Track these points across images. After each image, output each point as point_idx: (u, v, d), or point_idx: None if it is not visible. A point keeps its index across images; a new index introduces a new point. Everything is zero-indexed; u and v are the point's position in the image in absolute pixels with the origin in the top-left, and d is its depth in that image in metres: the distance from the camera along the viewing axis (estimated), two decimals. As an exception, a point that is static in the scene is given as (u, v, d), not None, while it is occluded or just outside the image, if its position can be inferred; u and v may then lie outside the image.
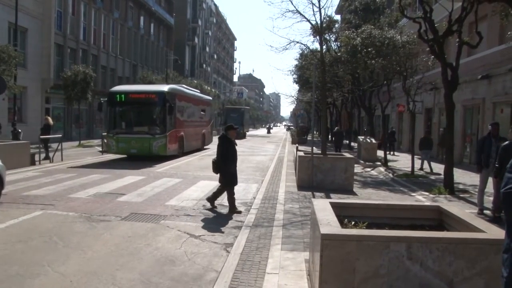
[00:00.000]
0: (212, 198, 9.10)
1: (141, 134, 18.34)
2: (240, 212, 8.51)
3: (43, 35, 30.87)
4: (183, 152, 21.08)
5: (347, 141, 33.06)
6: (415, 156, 17.66)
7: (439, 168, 17.61)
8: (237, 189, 11.97)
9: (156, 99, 18.36)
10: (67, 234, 6.82)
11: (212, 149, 25.66)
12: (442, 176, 13.83)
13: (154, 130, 18.47)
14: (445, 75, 12.51)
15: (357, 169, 17.75)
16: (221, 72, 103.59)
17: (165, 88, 18.97)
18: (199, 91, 28.57)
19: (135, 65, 47.70)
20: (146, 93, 18.60)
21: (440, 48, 12.52)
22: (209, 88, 67.68)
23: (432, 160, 17.99)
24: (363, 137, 23.29)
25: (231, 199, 8.66)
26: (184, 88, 23.17)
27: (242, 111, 52.26)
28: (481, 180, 9.49)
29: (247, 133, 61.32)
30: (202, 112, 25.73)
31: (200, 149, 25.29)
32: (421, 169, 17.15)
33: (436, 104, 24.37)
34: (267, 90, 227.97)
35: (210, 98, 30.92)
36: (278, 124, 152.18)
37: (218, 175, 8.97)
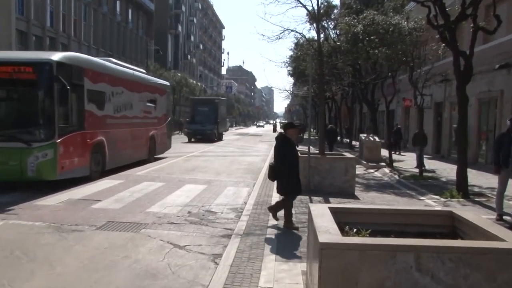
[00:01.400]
0: (274, 209, 8.70)
1: (4, 142, 11.41)
2: (297, 229, 7.97)
3: (2, 20, 30.00)
4: (102, 169, 14.52)
5: (347, 140, 33.20)
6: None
7: (440, 167, 17.60)
8: (226, 193, 11.88)
9: (34, 75, 11.50)
10: (33, 247, 6.69)
11: (170, 158, 21.31)
12: (449, 177, 13.72)
13: (31, 134, 11.52)
14: (457, 65, 12.45)
15: (359, 170, 17.59)
16: (207, 64, 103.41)
17: (53, 56, 12.06)
18: (145, 72, 20.79)
19: (111, 56, 47.34)
20: (14, 64, 11.51)
21: (452, 34, 12.45)
22: (194, 81, 67.60)
23: (439, 159, 17.90)
24: (365, 135, 23.38)
25: (288, 212, 8.17)
26: (102, 61, 15.51)
27: (215, 103, 40.91)
28: (500, 182, 9.45)
29: (235, 130, 61.06)
30: (149, 104, 19.16)
31: (146, 160, 18.97)
32: (421, 167, 16.65)
33: (447, 98, 24.30)
34: (259, 84, 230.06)
35: (166, 83, 22.90)
36: (271, 121, 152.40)
37: (275, 183, 8.62)
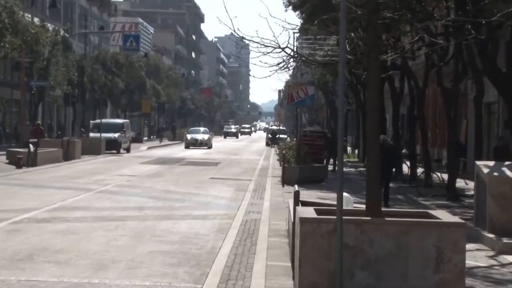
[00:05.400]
0: None
1: None
2: None
3: None
4: None
5: (446, 175, 25.95)
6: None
7: None
8: None
9: None
10: None
11: None
12: None
13: None
14: None
15: (477, 256, 13.84)
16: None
17: None
18: None
19: None
20: None
21: None
22: (37, 19, 51.69)
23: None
24: (490, 164, 17.29)
25: None
26: None
27: None
28: None
29: (156, 148, 53.46)
30: None
31: None
32: None
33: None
34: (212, 31, 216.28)
35: None
36: (246, 126, 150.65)
37: None
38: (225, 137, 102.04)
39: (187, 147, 62.31)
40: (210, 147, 62.70)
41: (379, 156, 11.49)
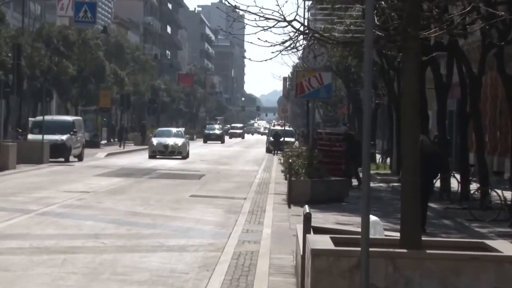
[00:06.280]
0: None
1: None
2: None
3: None
4: None
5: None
6: None
7: None
8: None
9: None
10: None
11: None
12: None
13: None
14: None
15: None
16: None
17: None
18: None
19: None
20: None
21: None
22: None
23: None
24: None
25: None
26: None
27: None
28: None
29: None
30: None
31: None
32: None
33: None
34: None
35: None
36: (237, 126, 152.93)
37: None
38: (205, 142, 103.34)
39: (152, 156, 60.77)
40: (185, 156, 61.30)
41: (420, 167, 11.61)
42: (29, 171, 40.75)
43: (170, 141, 62.90)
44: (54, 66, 67.27)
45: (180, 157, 61.23)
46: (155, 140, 63.06)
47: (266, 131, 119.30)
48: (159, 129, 76.75)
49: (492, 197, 27.20)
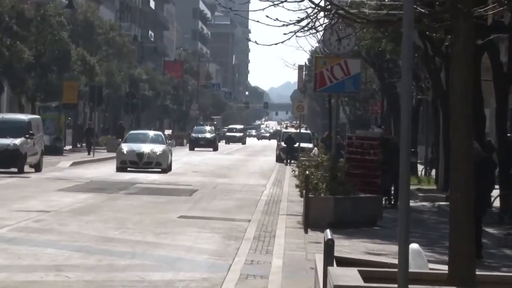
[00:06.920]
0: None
1: None
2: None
3: None
4: None
5: None
6: None
7: None
8: None
9: None
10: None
11: None
12: None
13: None
14: None
15: None
16: None
17: None
18: None
19: None
20: None
21: None
22: None
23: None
24: None
25: None
26: None
27: None
28: None
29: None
30: None
31: None
32: None
33: None
34: None
35: None
36: (236, 128, 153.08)
37: None
38: (191, 149, 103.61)
39: (121, 168, 58.86)
40: (166, 169, 59.45)
41: (474, 181, 11.55)
42: (-31, 185, 40.62)
43: (146, 148, 60.21)
44: (5, 51, 66.90)
45: (159, 169, 58.94)
46: (125, 147, 60.74)
47: (267, 134, 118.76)
48: (132, 132, 75.08)
49: None
